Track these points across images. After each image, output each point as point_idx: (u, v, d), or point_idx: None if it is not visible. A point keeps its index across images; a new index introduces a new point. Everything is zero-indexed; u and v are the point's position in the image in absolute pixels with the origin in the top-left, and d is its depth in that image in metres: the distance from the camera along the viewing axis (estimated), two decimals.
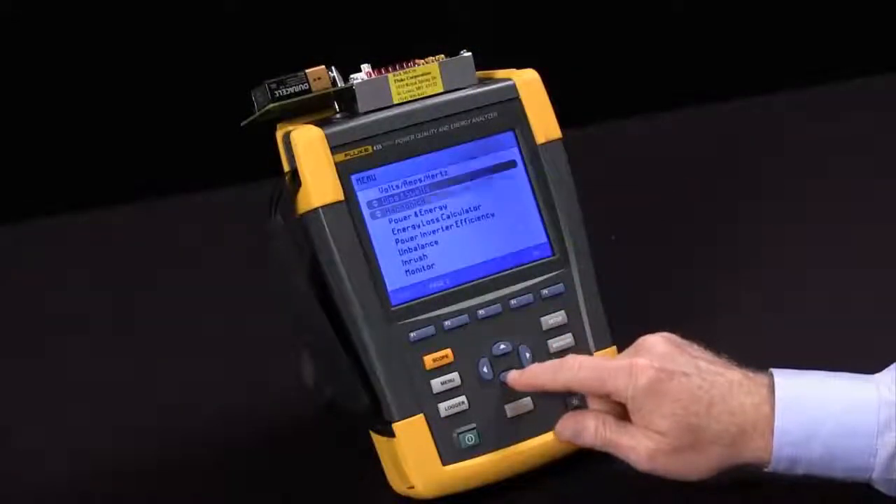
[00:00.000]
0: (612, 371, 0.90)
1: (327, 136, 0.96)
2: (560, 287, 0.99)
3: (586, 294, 1.00)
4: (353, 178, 0.97)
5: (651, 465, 0.89)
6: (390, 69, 1.00)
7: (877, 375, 0.88)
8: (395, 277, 0.97)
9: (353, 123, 0.98)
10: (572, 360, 0.92)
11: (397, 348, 0.95)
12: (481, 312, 0.98)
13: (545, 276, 1.00)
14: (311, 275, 0.97)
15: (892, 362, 0.89)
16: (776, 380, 0.87)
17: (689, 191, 1.49)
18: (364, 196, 0.97)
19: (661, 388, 0.88)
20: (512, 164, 1.01)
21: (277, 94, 0.98)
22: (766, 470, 0.88)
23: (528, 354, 0.98)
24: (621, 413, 0.91)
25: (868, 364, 1.02)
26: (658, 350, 0.90)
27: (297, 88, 0.98)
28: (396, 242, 0.97)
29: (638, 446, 0.89)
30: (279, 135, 1.01)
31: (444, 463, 0.96)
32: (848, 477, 0.86)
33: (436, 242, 0.98)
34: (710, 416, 0.87)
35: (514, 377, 0.95)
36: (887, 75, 1.73)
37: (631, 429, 0.89)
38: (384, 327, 0.95)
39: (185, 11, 1.73)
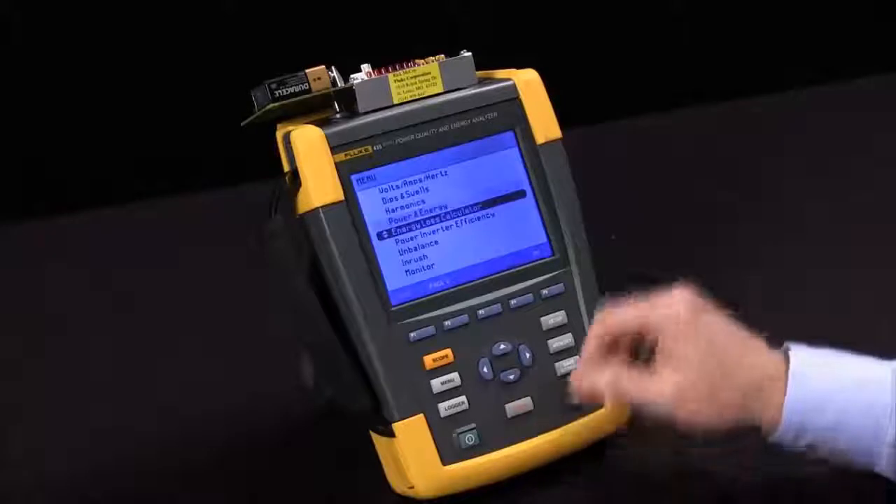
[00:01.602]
0: (653, 304, 0.91)
1: (327, 136, 0.96)
2: (560, 287, 0.99)
3: (586, 294, 1.00)
4: (353, 178, 0.97)
5: (677, 401, 0.88)
6: (390, 69, 1.00)
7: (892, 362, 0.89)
8: (395, 277, 0.97)
9: (353, 123, 0.98)
10: (599, 314, 0.94)
11: (397, 348, 0.95)
12: (481, 312, 0.98)
13: (545, 276, 1.00)
14: (311, 275, 0.97)
15: (891, 361, 0.89)
16: (792, 349, 0.89)
17: (689, 191, 1.49)
18: (364, 196, 0.97)
19: (700, 320, 0.89)
20: (512, 164, 1.01)
21: (277, 94, 0.98)
22: (772, 439, 0.87)
23: (528, 354, 0.98)
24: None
25: None
26: (689, 292, 0.91)
27: (297, 88, 0.98)
28: (396, 242, 0.97)
29: (665, 383, 0.89)
30: (279, 135, 1.01)
31: (444, 463, 0.96)
32: (851, 453, 0.86)
33: (436, 242, 0.98)
34: (735, 361, 0.88)
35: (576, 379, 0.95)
36: (887, 75, 1.73)
37: (654, 372, 0.90)
38: (384, 327, 0.95)
39: (185, 11, 1.73)
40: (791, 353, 0.88)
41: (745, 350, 0.89)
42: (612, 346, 0.93)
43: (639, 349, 0.93)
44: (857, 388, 0.87)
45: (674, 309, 0.90)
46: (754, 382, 0.88)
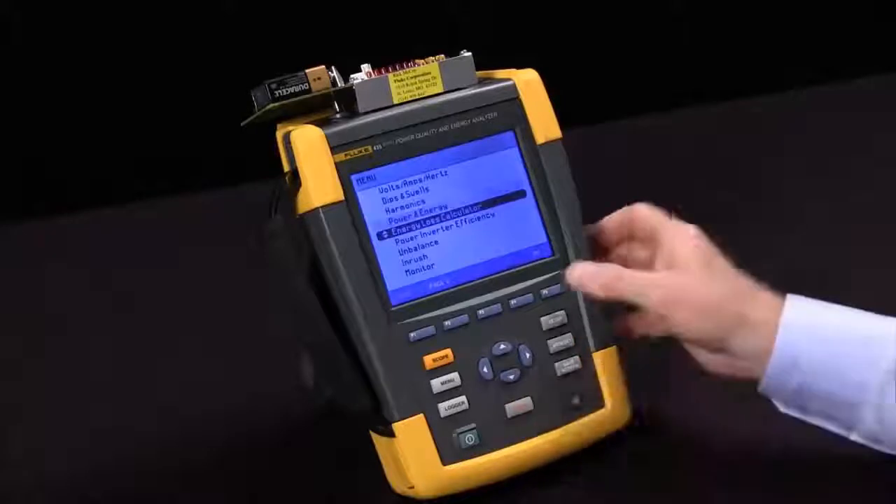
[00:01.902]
0: (663, 218, 0.97)
1: (327, 136, 0.96)
2: (560, 287, 0.99)
3: (586, 294, 1.00)
4: (353, 178, 0.97)
5: (673, 299, 0.91)
6: (390, 69, 1.00)
7: None
8: (395, 277, 0.97)
9: (353, 123, 0.98)
10: (628, 209, 1.00)
11: (397, 348, 0.95)
12: (481, 312, 0.98)
13: (545, 276, 1.00)
14: (311, 275, 0.97)
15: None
16: (788, 297, 0.91)
17: (689, 191, 1.49)
18: (364, 196, 0.97)
19: (708, 247, 0.93)
20: (512, 164, 1.01)
21: (277, 94, 0.98)
22: (764, 378, 0.88)
23: (527, 354, 0.98)
24: None
25: None
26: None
27: (297, 88, 0.98)
28: (396, 242, 0.97)
29: (662, 279, 0.92)
30: (279, 135, 1.01)
31: (444, 463, 0.96)
32: (838, 395, 0.87)
33: (436, 242, 0.98)
34: (735, 282, 0.91)
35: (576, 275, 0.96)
36: (887, 75, 1.73)
37: (653, 270, 0.94)
38: (384, 327, 0.95)
39: (185, 11, 1.73)
40: (787, 298, 0.91)
41: (747, 283, 0.92)
42: (619, 240, 0.99)
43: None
44: (857, 319, 0.89)
45: (689, 229, 0.94)
46: (747, 296, 0.90)
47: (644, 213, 0.98)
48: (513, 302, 0.98)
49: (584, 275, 0.94)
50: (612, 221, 1.00)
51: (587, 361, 0.99)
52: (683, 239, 0.94)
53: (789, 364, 0.88)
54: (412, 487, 0.96)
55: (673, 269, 0.93)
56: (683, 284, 0.91)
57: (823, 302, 0.91)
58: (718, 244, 0.94)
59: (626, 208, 0.99)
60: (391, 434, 0.95)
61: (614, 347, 1.00)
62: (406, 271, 0.97)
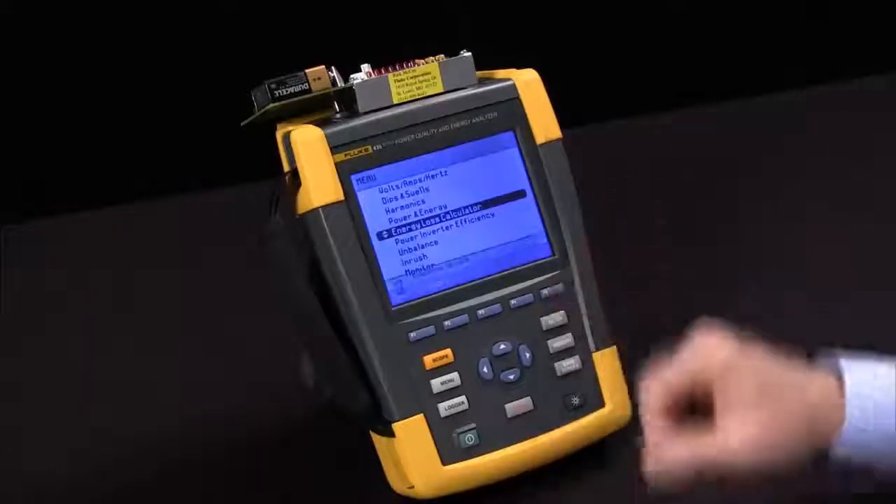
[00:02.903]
0: (691, 357, 0.86)
1: (327, 136, 0.96)
2: (560, 287, 0.99)
3: (586, 294, 1.00)
4: (353, 178, 0.97)
5: (754, 451, 0.83)
6: (390, 69, 1.00)
7: None
8: (395, 277, 0.97)
9: (353, 123, 0.98)
10: (644, 383, 0.87)
11: (397, 348, 0.95)
12: (481, 312, 0.98)
13: (545, 276, 1.00)
14: (311, 275, 0.97)
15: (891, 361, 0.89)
16: (842, 363, 0.85)
17: (689, 191, 1.49)
18: (364, 196, 0.97)
19: (744, 358, 0.85)
20: (512, 164, 1.01)
21: (277, 94, 0.98)
22: (834, 455, 0.85)
23: (527, 354, 0.98)
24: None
25: None
26: (718, 330, 0.87)
27: (297, 88, 0.98)
28: (396, 242, 0.97)
29: (735, 436, 0.83)
30: (279, 135, 1.01)
31: (444, 463, 0.96)
32: None
33: (436, 242, 0.98)
34: (791, 391, 0.84)
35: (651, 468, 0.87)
36: (887, 75, 1.73)
37: (720, 428, 0.84)
38: (384, 327, 0.95)
39: (185, 11, 1.73)
40: (842, 368, 0.85)
41: (795, 376, 0.85)
42: (666, 413, 0.87)
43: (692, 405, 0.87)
44: None
45: (717, 356, 0.85)
46: (815, 408, 0.84)
47: (671, 389, 0.86)
48: (513, 302, 0.98)
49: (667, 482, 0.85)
50: (653, 413, 0.86)
51: (587, 361, 0.99)
52: (726, 382, 0.84)
53: (859, 445, 0.84)
54: (412, 487, 0.96)
55: (735, 417, 0.83)
56: (756, 437, 0.83)
57: (877, 369, 0.85)
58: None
59: (650, 396, 0.86)
60: (391, 434, 0.95)
61: (614, 347, 1.00)
62: (406, 271, 0.97)
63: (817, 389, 0.85)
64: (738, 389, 0.84)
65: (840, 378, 0.85)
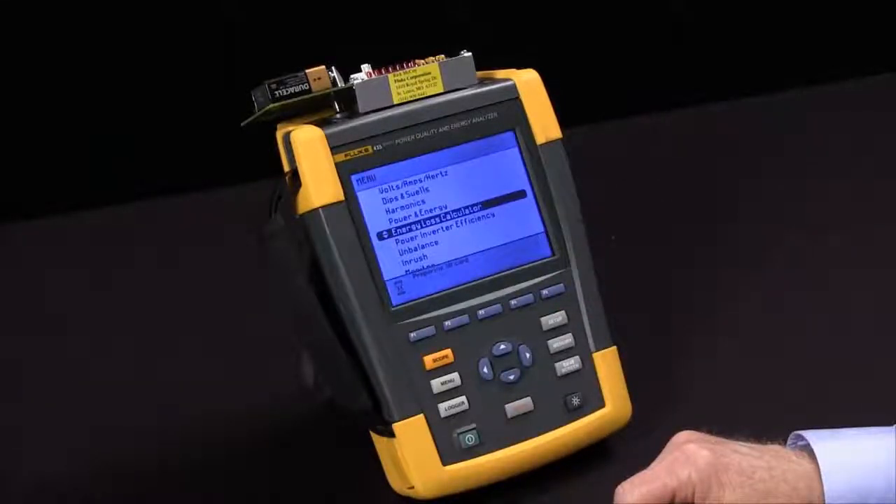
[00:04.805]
0: (668, 469, 0.85)
1: (327, 136, 0.96)
2: (560, 287, 0.99)
3: (586, 294, 1.00)
4: (353, 178, 0.97)
5: None
6: (390, 69, 1.00)
7: None
8: (395, 278, 0.97)
9: (353, 123, 0.98)
10: (620, 487, 0.86)
11: (397, 348, 0.95)
12: (481, 312, 0.98)
13: (545, 276, 1.00)
14: (311, 275, 0.97)
15: (892, 364, 0.88)
16: (814, 447, 0.85)
17: (689, 191, 1.49)
18: (364, 196, 0.97)
19: (723, 463, 0.84)
20: (512, 164, 1.01)
21: (277, 94, 0.98)
22: None
23: (527, 354, 0.98)
24: None
25: (868, 363, 1.03)
26: (695, 437, 0.86)
27: (297, 88, 0.98)
28: (396, 242, 0.97)
29: None
30: (279, 135, 1.01)
31: (444, 463, 0.96)
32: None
33: (436, 242, 0.98)
34: (773, 480, 0.84)
35: None
36: (887, 75, 1.73)
37: None
38: (384, 327, 0.95)
39: (185, 11, 1.73)
40: (815, 451, 0.85)
41: (775, 464, 0.85)
42: None
43: None
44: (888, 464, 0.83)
45: (693, 464, 0.84)
46: (793, 492, 0.84)
47: None
48: (513, 302, 0.98)
49: None
50: None
51: (587, 361, 0.99)
52: (705, 491, 0.84)
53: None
54: (412, 487, 0.96)
55: None
56: None
57: (847, 444, 0.85)
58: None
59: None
60: (391, 434, 0.95)
61: (614, 347, 1.00)
62: (406, 271, 0.97)
63: (793, 477, 0.84)
64: (726, 491, 0.84)
65: (815, 461, 0.84)
